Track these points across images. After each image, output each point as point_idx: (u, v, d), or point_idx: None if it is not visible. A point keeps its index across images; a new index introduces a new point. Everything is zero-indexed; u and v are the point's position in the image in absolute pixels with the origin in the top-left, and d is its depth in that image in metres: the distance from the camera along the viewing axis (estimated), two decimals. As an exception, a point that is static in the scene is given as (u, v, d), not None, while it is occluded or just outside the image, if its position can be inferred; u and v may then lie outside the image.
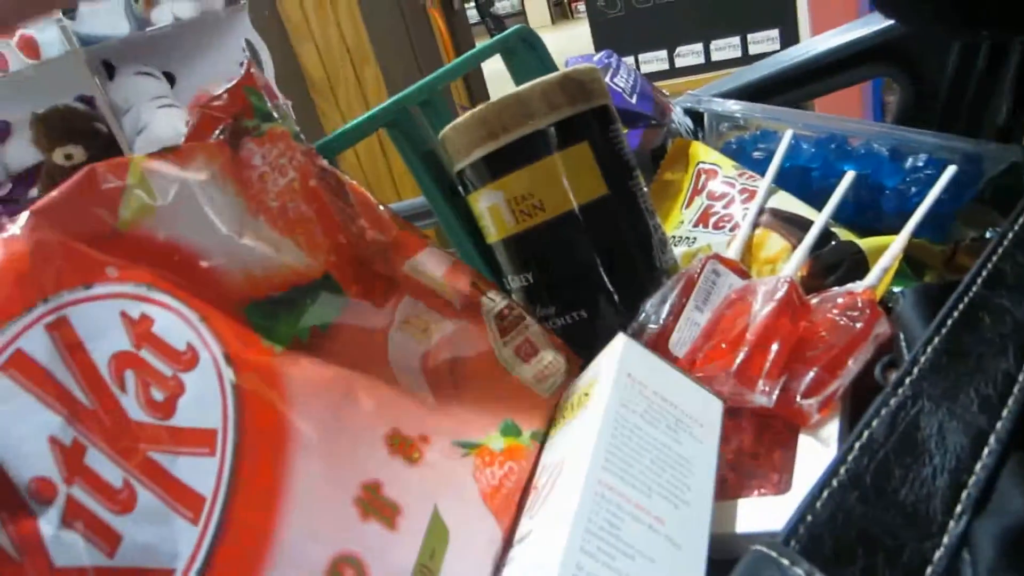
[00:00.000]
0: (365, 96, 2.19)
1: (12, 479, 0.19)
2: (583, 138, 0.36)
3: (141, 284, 0.23)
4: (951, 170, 0.39)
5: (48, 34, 1.38)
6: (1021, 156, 0.42)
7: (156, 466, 0.21)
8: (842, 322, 0.29)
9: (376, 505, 0.24)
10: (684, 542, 0.23)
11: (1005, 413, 0.20)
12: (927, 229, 0.39)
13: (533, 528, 0.25)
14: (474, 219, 0.40)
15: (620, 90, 0.52)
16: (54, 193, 0.23)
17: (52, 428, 0.20)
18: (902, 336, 0.27)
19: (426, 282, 0.31)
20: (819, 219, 0.39)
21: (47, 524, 0.19)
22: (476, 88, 2.50)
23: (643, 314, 0.34)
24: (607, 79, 0.52)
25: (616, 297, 0.37)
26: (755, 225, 0.42)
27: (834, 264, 0.37)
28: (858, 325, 0.29)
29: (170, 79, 1.56)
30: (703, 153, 0.49)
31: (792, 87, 0.61)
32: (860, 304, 0.30)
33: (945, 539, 0.18)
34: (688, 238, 0.45)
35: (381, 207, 0.32)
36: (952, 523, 0.18)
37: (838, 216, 0.41)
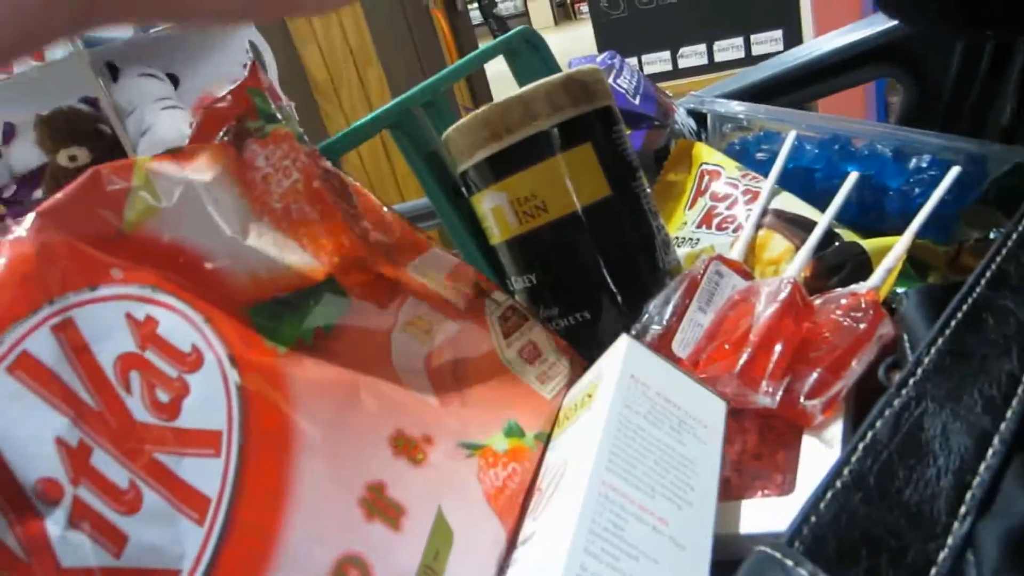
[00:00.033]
0: (368, 97, 2.19)
1: (19, 480, 0.19)
2: (586, 139, 0.36)
3: (146, 286, 0.23)
4: (955, 171, 0.39)
5: (52, 36, 1.37)
6: (1025, 157, 0.42)
7: (161, 467, 0.21)
8: (846, 323, 0.29)
9: (380, 506, 0.24)
10: (688, 543, 0.23)
11: (1009, 414, 0.20)
12: (931, 230, 0.39)
13: (537, 529, 0.25)
14: (477, 220, 0.40)
15: (623, 91, 0.52)
16: (59, 195, 0.23)
17: (58, 429, 0.20)
18: (906, 337, 0.27)
19: (429, 283, 0.31)
20: (822, 220, 0.39)
21: (54, 525, 0.19)
22: (479, 89, 2.50)
23: (646, 315, 0.34)
24: (610, 80, 0.52)
25: (619, 298, 0.37)
26: (758, 226, 0.42)
27: (838, 265, 0.37)
28: (862, 326, 0.29)
29: (174, 81, 1.56)
30: (706, 154, 0.49)
31: (795, 88, 0.61)
32: (864, 305, 0.30)
33: (949, 540, 0.18)
34: (691, 239, 0.45)
35: (384, 208, 0.32)
36: (956, 524, 0.18)
37: (841, 217, 0.41)
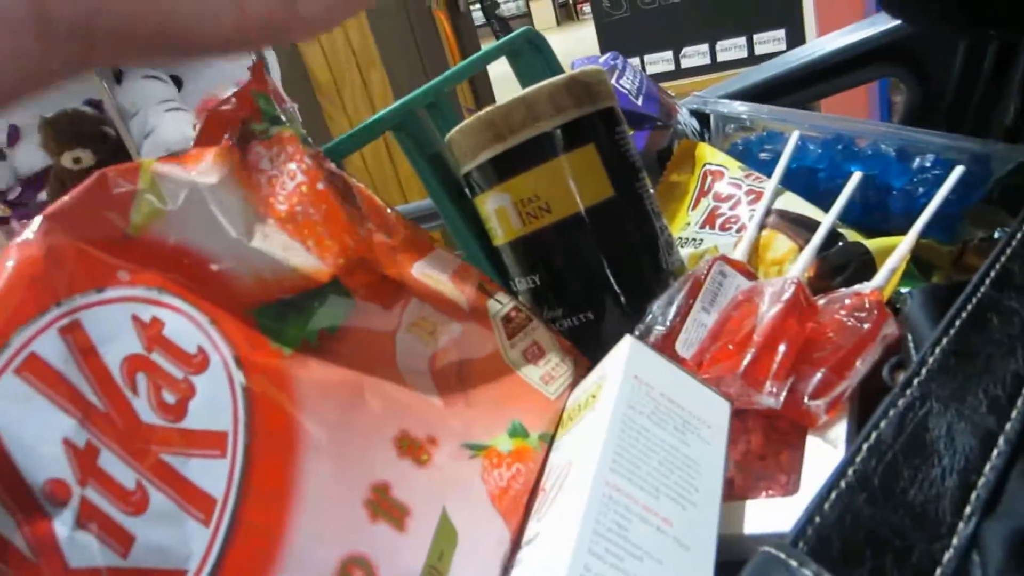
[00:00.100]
0: (371, 99, 2.20)
1: (27, 481, 0.19)
2: (589, 140, 0.36)
3: (152, 288, 0.23)
4: (959, 170, 0.39)
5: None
6: (1030, 156, 0.42)
7: (168, 468, 0.21)
8: (850, 323, 0.29)
9: (385, 507, 0.25)
10: (692, 543, 0.23)
11: (1014, 414, 0.20)
12: (935, 229, 0.39)
13: (541, 530, 0.25)
14: (481, 221, 0.40)
15: (626, 92, 0.52)
16: (66, 198, 0.23)
17: (66, 430, 0.20)
18: (910, 337, 0.27)
19: (433, 284, 0.31)
20: (826, 220, 0.39)
21: (62, 525, 0.19)
22: (482, 91, 2.50)
23: (650, 315, 0.34)
24: (613, 81, 0.52)
25: (623, 299, 0.37)
26: (762, 226, 0.42)
27: (841, 265, 0.37)
28: (866, 326, 0.29)
29: (177, 83, 1.57)
30: (709, 154, 0.49)
31: (798, 88, 0.61)
32: (868, 305, 0.30)
33: (954, 540, 0.18)
34: (695, 239, 0.45)
35: (388, 210, 0.32)
36: (961, 524, 0.18)
37: (845, 217, 0.41)
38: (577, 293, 0.38)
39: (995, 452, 0.20)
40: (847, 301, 0.30)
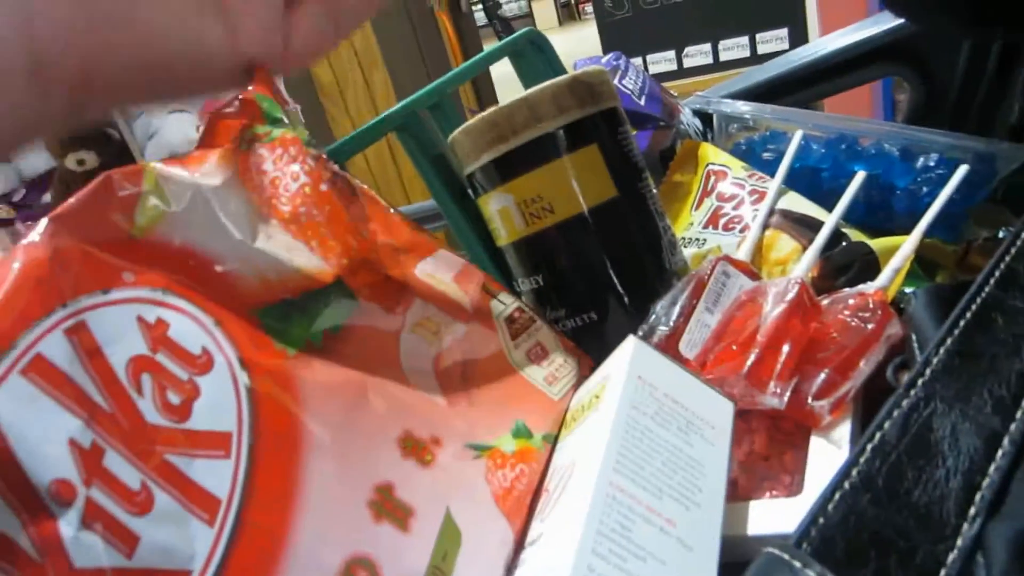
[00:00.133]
0: (374, 100, 2.20)
1: (33, 481, 0.19)
2: (592, 140, 0.36)
3: (157, 289, 0.24)
4: (963, 169, 0.39)
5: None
6: (1034, 155, 0.42)
7: (173, 468, 0.21)
8: (853, 323, 0.29)
9: (389, 507, 0.25)
10: (695, 544, 0.23)
11: (1019, 415, 0.20)
12: (939, 229, 0.39)
13: (544, 531, 0.25)
14: (484, 222, 0.40)
15: (629, 92, 0.52)
16: (72, 200, 0.23)
17: (72, 431, 0.20)
18: (914, 337, 0.27)
19: (437, 285, 0.31)
20: (830, 220, 0.39)
21: (67, 526, 0.19)
22: (484, 91, 2.50)
23: (653, 316, 0.35)
24: (615, 81, 0.52)
25: (626, 299, 0.37)
26: (765, 226, 0.42)
27: (845, 265, 0.37)
28: (870, 326, 0.29)
29: (181, 84, 1.57)
30: (712, 154, 0.49)
31: (801, 87, 0.61)
32: (871, 305, 0.30)
33: (959, 542, 0.18)
34: (698, 240, 0.45)
35: (392, 211, 0.32)
36: (966, 526, 0.18)
37: (849, 217, 0.41)
38: (580, 293, 0.38)
39: (999, 453, 0.19)
40: (851, 301, 0.30)
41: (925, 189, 0.43)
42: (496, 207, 0.38)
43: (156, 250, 0.24)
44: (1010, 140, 0.43)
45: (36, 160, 1.56)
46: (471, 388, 0.31)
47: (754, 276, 0.37)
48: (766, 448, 0.29)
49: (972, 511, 0.18)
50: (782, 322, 0.30)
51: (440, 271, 0.32)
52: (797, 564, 0.17)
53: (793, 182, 0.45)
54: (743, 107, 0.53)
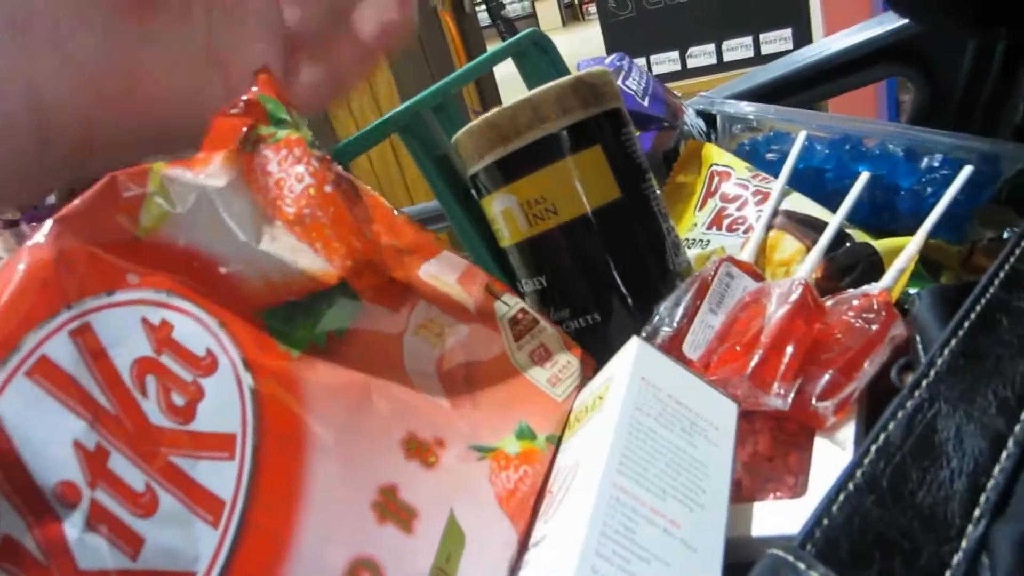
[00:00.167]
0: (377, 101, 2.20)
1: (38, 483, 0.19)
2: (596, 141, 0.36)
3: (161, 290, 0.24)
4: (967, 170, 0.38)
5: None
6: (1039, 155, 0.42)
7: (177, 470, 0.21)
8: (857, 324, 0.29)
9: (393, 509, 0.25)
10: (699, 545, 0.23)
11: (1023, 416, 0.20)
12: (943, 230, 0.39)
13: (548, 532, 0.25)
14: (487, 223, 0.40)
15: (632, 93, 0.52)
16: (76, 201, 0.23)
17: (76, 433, 0.20)
18: (918, 338, 0.27)
19: (440, 286, 0.32)
20: (834, 220, 0.39)
21: (72, 527, 0.19)
22: (488, 92, 2.51)
23: (657, 317, 0.34)
24: (619, 82, 0.52)
25: (630, 300, 0.37)
26: (769, 227, 0.42)
27: (849, 266, 0.37)
28: (874, 327, 0.29)
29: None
30: (716, 155, 0.49)
31: (805, 88, 0.61)
32: (876, 306, 0.29)
33: (963, 543, 0.18)
34: (701, 240, 0.45)
35: (395, 212, 0.32)
36: (970, 527, 0.18)
37: (853, 217, 0.41)
38: (584, 295, 0.38)
39: (1004, 454, 0.19)
40: (855, 302, 0.30)
41: (929, 190, 0.43)
42: (499, 208, 0.38)
43: (160, 251, 0.24)
44: (1015, 140, 0.43)
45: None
46: (475, 390, 0.31)
47: (758, 277, 0.37)
48: (770, 449, 0.29)
49: (977, 512, 0.18)
50: (786, 323, 0.30)
51: (444, 272, 0.32)
52: (801, 565, 0.17)
53: (797, 183, 0.45)
54: (747, 108, 0.53)
